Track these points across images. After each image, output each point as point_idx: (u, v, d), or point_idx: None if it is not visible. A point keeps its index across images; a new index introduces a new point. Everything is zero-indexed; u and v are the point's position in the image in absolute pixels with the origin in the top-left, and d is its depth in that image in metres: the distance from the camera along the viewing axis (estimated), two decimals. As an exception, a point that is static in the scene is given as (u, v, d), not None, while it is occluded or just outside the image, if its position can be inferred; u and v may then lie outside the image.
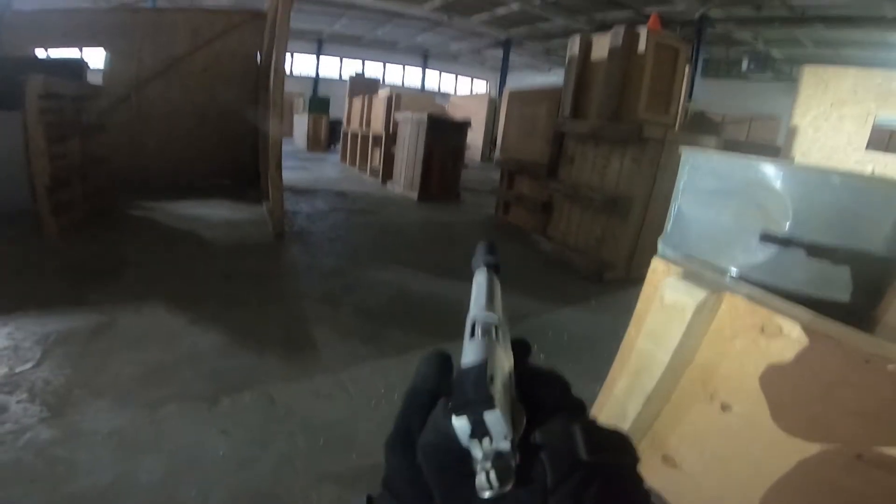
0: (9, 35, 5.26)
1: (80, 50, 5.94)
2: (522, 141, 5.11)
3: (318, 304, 2.87)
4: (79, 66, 4.77)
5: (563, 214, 4.26)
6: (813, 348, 1.11)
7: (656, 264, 1.48)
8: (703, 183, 1.65)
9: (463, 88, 26.90)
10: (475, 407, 0.25)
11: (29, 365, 1.98)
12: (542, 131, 4.72)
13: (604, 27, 4.07)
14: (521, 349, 0.36)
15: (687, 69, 7.42)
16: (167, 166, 6.13)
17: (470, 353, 0.30)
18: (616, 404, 1.56)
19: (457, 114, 13.55)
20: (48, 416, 1.67)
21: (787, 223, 1.49)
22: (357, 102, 8.59)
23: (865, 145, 5.08)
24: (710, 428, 1.35)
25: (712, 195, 1.76)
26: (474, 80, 27.27)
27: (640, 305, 1.51)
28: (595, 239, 3.85)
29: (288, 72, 20.55)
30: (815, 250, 1.50)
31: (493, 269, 0.48)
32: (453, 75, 27.15)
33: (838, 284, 1.56)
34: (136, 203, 5.01)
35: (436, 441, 0.27)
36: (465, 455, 0.25)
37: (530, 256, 4.22)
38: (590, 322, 2.90)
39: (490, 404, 0.24)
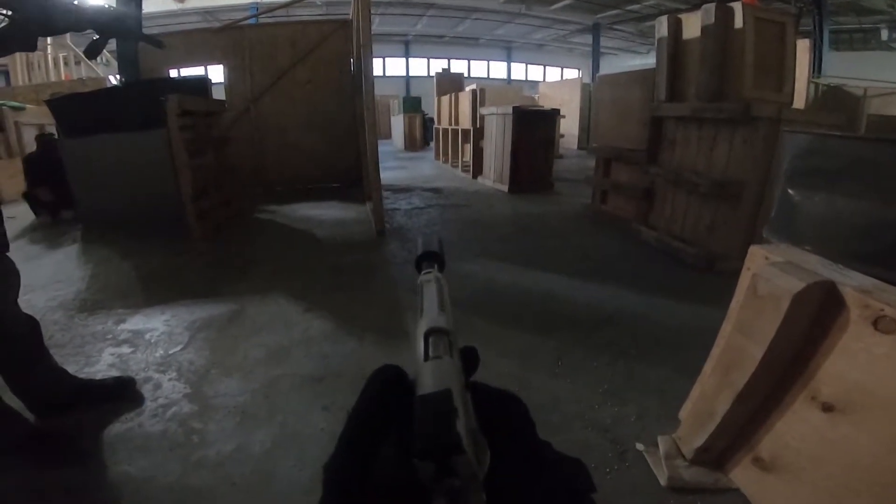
0: (144, 58, 6.12)
1: (205, 69, 6.66)
2: (617, 127, 4.91)
3: (412, 295, 3.01)
4: (203, 84, 5.31)
5: (666, 202, 4.03)
6: None
7: (754, 252, 1.38)
8: (810, 165, 1.50)
9: (552, 79, 26.14)
10: (442, 452, 0.22)
11: (179, 347, 2.39)
12: (636, 115, 4.50)
13: (699, 6, 3.80)
14: (470, 360, 0.33)
15: (809, 43, 6.59)
16: (283, 173, 6.82)
17: (429, 378, 0.27)
18: (704, 402, 1.49)
19: (547, 103, 13.25)
20: (190, 392, 2.01)
21: None
22: (445, 100, 8.80)
23: None
24: (809, 430, 1.26)
25: (821, 178, 1.58)
26: (564, 69, 26.38)
27: (735, 297, 1.42)
28: (704, 227, 3.60)
29: (380, 74, 21.58)
30: None
31: (439, 267, 0.44)
32: (541, 66, 26.52)
33: None
34: (260, 207, 5.67)
35: (395, 481, 0.25)
36: (426, 497, 0.23)
37: (631, 247, 4.05)
38: (695, 315, 2.72)
39: (459, 448, 0.22)
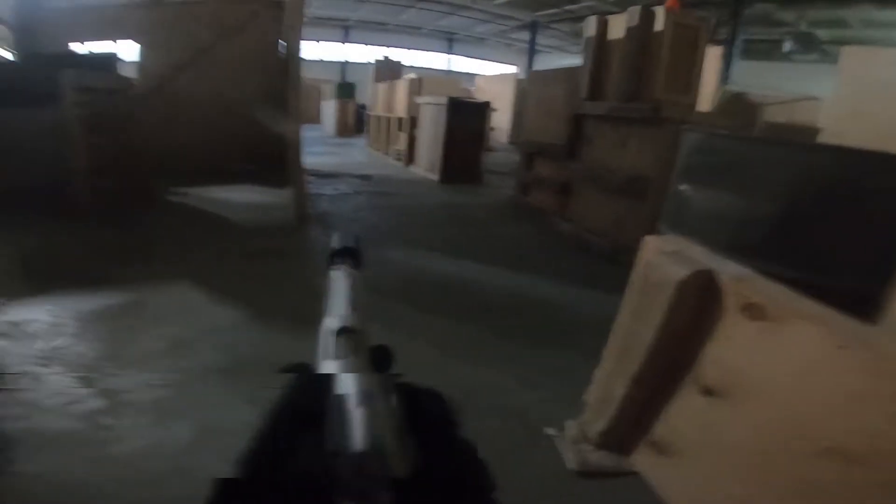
0: (46, 31, 5.54)
1: (115, 43, 6.17)
2: (542, 122, 5.05)
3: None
4: (110, 60, 4.99)
5: (581, 196, 4.22)
6: (793, 332, 1.07)
7: (647, 242, 1.46)
8: (700, 162, 1.63)
9: (491, 73, 26.52)
10: (360, 454, 0.22)
11: (65, 340, 2.13)
12: (560, 113, 4.64)
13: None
14: (383, 358, 0.33)
15: (720, 50, 7.15)
16: (199, 154, 6.33)
17: (343, 380, 0.27)
18: (603, 386, 1.55)
19: (483, 96, 13.39)
20: (80, 388, 1.80)
21: (782, 202, 1.45)
22: (381, 87, 8.65)
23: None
24: (693, 414, 1.32)
25: (709, 174, 1.73)
26: (502, 64, 26.81)
27: (629, 285, 1.50)
28: (613, 220, 3.80)
29: (315, 59, 20.81)
30: (813, 231, 1.45)
31: (354, 263, 0.43)
32: (480, 60, 26.78)
33: (840, 268, 1.49)
34: (170, 190, 5.24)
35: (308, 479, 0.23)
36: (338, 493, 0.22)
37: (548, 238, 4.21)
38: (604, 303, 2.86)
39: (373, 448, 0.22)
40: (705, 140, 1.66)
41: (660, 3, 3.84)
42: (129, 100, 5.20)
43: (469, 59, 26.57)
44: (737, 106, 9.02)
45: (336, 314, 0.35)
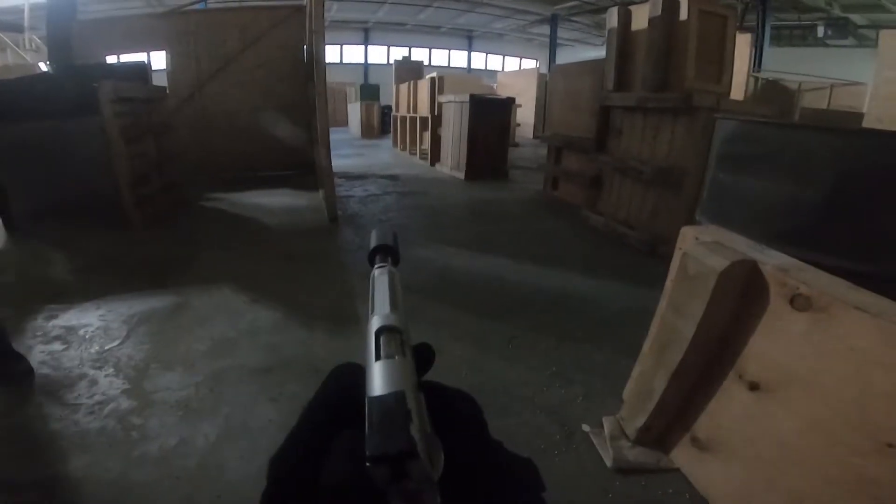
0: (80, 44, 5.78)
1: (148, 54, 6.38)
2: (568, 116, 5.00)
3: (365, 282, 3.01)
4: (143, 70, 5.12)
5: (613, 188, 4.16)
6: (844, 323, 1.02)
7: (685, 233, 1.42)
8: (737, 150, 1.58)
9: (511, 68, 26.29)
10: (396, 457, 0.22)
11: (116, 343, 2.26)
12: (587, 105, 4.59)
13: None
14: (424, 357, 0.33)
15: (751, 38, 6.93)
16: (232, 160, 6.55)
17: (379, 379, 0.26)
18: (643, 382, 1.52)
19: (505, 92, 13.32)
20: (129, 388, 1.91)
21: (826, 189, 1.40)
22: (403, 88, 8.70)
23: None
24: (739, 409, 1.28)
25: (747, 163, 1.68)
26: (523, 59, 26.55)
27: (668, 277, 1.47)
28: (647, 212, 3.74)
29: (338, 61, 21.07)
30: (857, 217, 1.39)
31: (393, 261, 0.43)
32: (500, 56, 26.61)
33: (889, 256, 1.42)
34: (206, 195, 5.43)
35: (347, 483, 0.24)
36: (380, 498, 0.23)
37: (580, 232, 4.16)
38: (640, 297, 2.81)
39: (413, 453, 0.22)
40: (740, 127, 1.62)
41: None
42: (164, 109, 5.41)
43: (490, 55, 26.42)
44: (773, 93, 8.74)
45: (378, 314, 0.34)
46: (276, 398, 1.86)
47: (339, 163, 7.95)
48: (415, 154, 8.29)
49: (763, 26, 12.08)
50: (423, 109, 7.62)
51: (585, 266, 3.36)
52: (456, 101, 6.43)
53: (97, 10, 13.52)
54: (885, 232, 1.36)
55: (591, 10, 18.04)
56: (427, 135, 7.58)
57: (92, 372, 2.01)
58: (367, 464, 0.22)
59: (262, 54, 6.52)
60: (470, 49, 25.80)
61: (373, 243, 0.45)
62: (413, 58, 24.13)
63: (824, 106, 7.99)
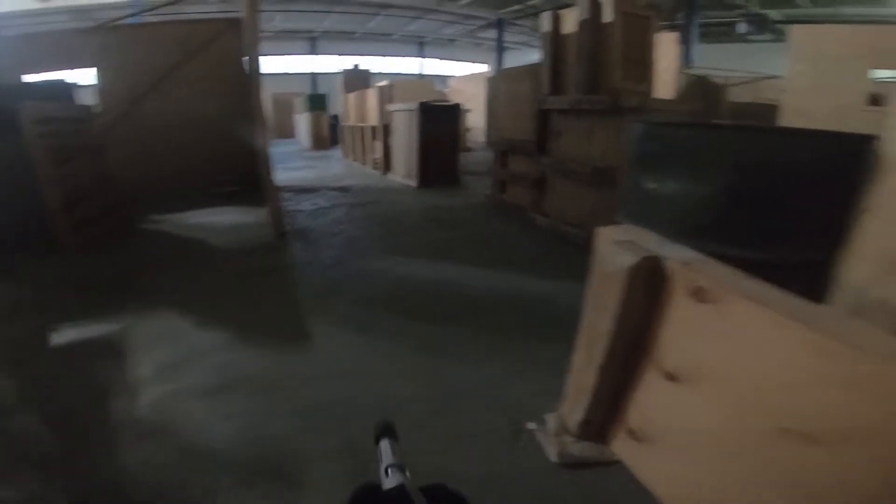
0: None
1: (72, 72, 6.01)
2: (512, 120, 5.12)
3: (316, 297, 3.00)
4: (65, 89, 4.86)
5: (555, 189, 4.29)
6: (738, 313, 1.09)
7: (601, 233, 1.49)
8: (647, 151, 1.69)
9: (463, 73, 26.54)
10: None
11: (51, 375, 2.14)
12: (527, 109, 4.71)
13: None
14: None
15: (677, 36, 7.30)
16: (173, 178, 6.29)
17: None
18: (578, 377, 1.57)
19: (457, 97, 13.46)
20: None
21: (723, 184, 1.52)
22: (352, 97, 8.65)
23: (865, 103, 4.92)
24: (661, 399, 1.34)
25: (655, 162, 1.80)
26: (474, 64, 26.90)
27: (589, 276, 1.54)
28: (588, 211, 3.87)
29: (284, 71, 20.61)
30: (751, 208, 1.52)
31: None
32: (452, 61, 26.85)
33: (788, 243, 1.56)
34: (148, 217, 5.22)
35: None
36: None
37: (528, 233, 4.27)
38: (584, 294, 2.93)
39: None
40: (647, 129, 1.74)
41: None
42: (95, 128, 5.17)
43: (441, 60, 26.62)
44: (700, 89, 9.20)
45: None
46: (230, 416, 1.84)
47: (288, 176, 7.83)
48: (366, 163, 8.25)
49: (690, 24, 12.77)
50: (373, 118, 7.61)
51: (534, 266, 3.47)
52: (405, 110, 6.46)
53: (20, 25, 12.77)
54: (777, 221, 1.48)
55: (533, 14, 18.55)
56: (378, 144, 7.56)
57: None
58: None
59: (200, 68, 6.32)
60: (422, 55, 25.93)
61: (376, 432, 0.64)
62: (363, 66, 24.02)
63: (749, 100, 8.47)
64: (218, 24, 6.51)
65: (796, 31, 5.45)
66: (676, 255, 1.29)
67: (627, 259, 1.29)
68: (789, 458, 1.01)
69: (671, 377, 1.32)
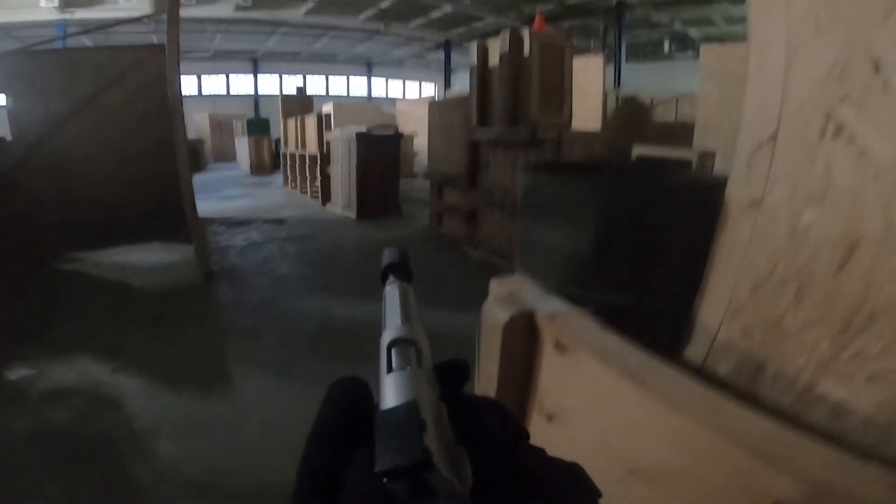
0: None
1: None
2: (445, 151, 5.18)
3: (239, 340, 2.96)
4: None
5: (485, 222, 4.37)
6: (588, 364, 1.17)
7: (492, 285, 1.54)
8: (531, 200, 1.76)
9: (412, 93, 26.84)
10: (411, 470, 0.20)
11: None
12: (459, 141, 4.77)
13: (532, 21, 4.26)
14: (456, 373, 0.32)
15: (603, 58, 7.62)
16: (95, 212, 5.93)
17: (391, 391, 0.25)
18: None
19: (404, 120, 13.58)
20: None
21: (589, 230, 1.60)
22: (291, 123, 8.51)
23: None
24: (545, 439, 1.39)
25: (540, 210, 1.87)
26: (422, 83, 27.29)
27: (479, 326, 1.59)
28: (514, 243, 3.98)
29: (224, 93, 20.09)
30: (626, 255, 1.61)
31: (405, 278, 0.42)
32: (400, 81, 27.07)
33: (654, 289, 1.65)
34: (67, 255, 4.92)
35: None
36: None
37: (460, 266, 4.32)
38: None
39: (428, 463, 0.20)
40: (530, 178, 1.82)
41: (515, 28, 4.09)
42: (4, 159, 4.85)
43: (390, 80, 26.77)
44: (629, 109, 9.59)
45: (390, 327, 0.32)
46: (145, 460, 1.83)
47: (222, 206, 7.59)
48: (306, 192, 8.11)
49: (620, 44, 13.42)
50: (312, 146, 7.51)
51: (463, 300, 3.48)
52: (343, 139, 6.42)
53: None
54: (643, 267, 1.57)
55: (479, 36, 19.13)
56: (317, 173, 7.47)
57: None
58: (384, 481, 0.20)
59: (123, 96, 6.05)
60: (370, 76, 25.96)
61: (383, 262, 0.43)
62: (309, 86, 23.80)
63: (672, 118, 8.77)
64: (141, 51, 6.28)
65: (704, 50, 5.78)
66: (546, 309, 1.35)
67: (504, 315, 1.35)
68: (640, 496, 1.09)
69: (549, 417, 1.39)
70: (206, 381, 2.48)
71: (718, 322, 1.44)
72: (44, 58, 6.01)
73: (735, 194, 1.37)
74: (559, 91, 3.94)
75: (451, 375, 0.31)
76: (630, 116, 8.99)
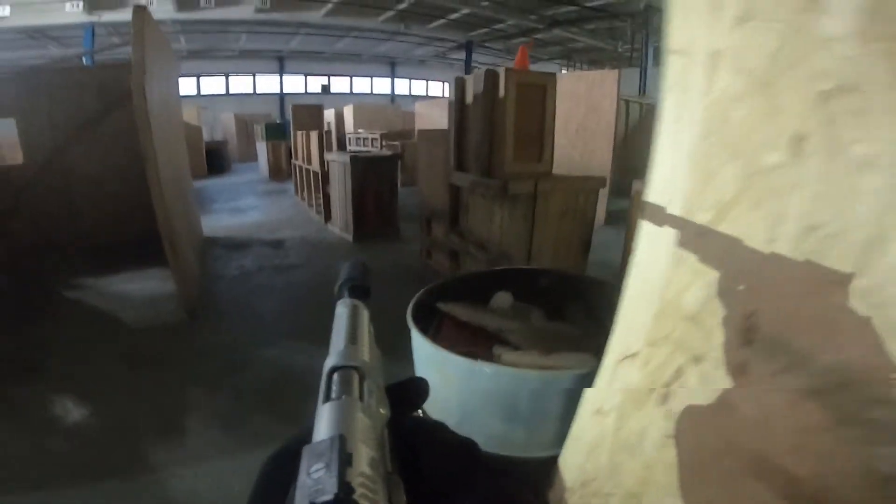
0: None
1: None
2: (432, 185, 5.06)
3: (199, 390, 3.01)
4: None
5: (466, 263, 4.28)
6: None
7: None
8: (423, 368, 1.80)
9: (435, 92, 26.71)
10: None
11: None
12: (441, 177, 4.67)
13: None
14: (414, 391, 0.32)
15: (617, 74, 7.32)
16: (104, 234, 6.08)
17: (323, 424, 0.25)
18: None
19: (423, 122, 13.53)
20: None
21: (459, 412, 1.61)
22: (300, 136, 8.57)
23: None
24: None
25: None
26: (445, 83, 27.09)
27: None
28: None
29: (251, 91, 20.41)
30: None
31: (361, 295, 0.41)
32: (423, 81, 27.00)
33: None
34: (71, 281, 5.06)
35: None
36: None
37: (441, 305, 4.25)
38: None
39: (346, 499, 0.20)
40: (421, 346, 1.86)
41: (491, 65, 3.79)
42: (10, 185, 4.95)
43: (413, 80, 26.76)
44: (650, 119, 9.27)
45: (333, 352, 0.31)
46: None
47: (230, 223, 7.75)
48: (312, 206, 8.18)
49: (647, 48, 12.85)
50: (315, 163, 7.56)
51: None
52: (338, 161, 6.43)
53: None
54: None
55: (501, 37, 18.84)
56: (319, 191, 7.53)
57: None
58: None
59: (126, 115, 6.11)
60: (393, 75, 26.02)
61: (339, 278, 0.42)
62: (333, 86, 23.96)
63: None
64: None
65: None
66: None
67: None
68: None
69: None
70: (161, 434, 2.55)
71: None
72: (47, 77, 6.03)
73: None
74: (539, 135, 3.67)
75: (409, 394, 0.31)
76: (650, 128, 8.65)
